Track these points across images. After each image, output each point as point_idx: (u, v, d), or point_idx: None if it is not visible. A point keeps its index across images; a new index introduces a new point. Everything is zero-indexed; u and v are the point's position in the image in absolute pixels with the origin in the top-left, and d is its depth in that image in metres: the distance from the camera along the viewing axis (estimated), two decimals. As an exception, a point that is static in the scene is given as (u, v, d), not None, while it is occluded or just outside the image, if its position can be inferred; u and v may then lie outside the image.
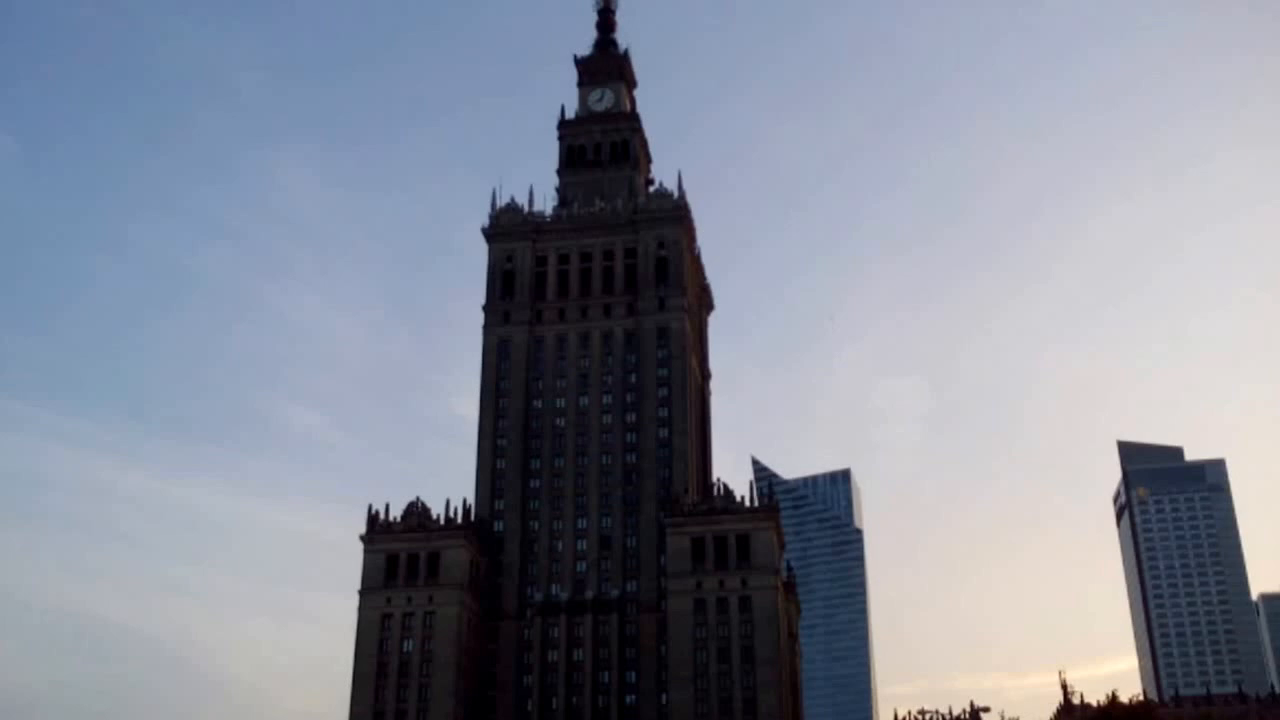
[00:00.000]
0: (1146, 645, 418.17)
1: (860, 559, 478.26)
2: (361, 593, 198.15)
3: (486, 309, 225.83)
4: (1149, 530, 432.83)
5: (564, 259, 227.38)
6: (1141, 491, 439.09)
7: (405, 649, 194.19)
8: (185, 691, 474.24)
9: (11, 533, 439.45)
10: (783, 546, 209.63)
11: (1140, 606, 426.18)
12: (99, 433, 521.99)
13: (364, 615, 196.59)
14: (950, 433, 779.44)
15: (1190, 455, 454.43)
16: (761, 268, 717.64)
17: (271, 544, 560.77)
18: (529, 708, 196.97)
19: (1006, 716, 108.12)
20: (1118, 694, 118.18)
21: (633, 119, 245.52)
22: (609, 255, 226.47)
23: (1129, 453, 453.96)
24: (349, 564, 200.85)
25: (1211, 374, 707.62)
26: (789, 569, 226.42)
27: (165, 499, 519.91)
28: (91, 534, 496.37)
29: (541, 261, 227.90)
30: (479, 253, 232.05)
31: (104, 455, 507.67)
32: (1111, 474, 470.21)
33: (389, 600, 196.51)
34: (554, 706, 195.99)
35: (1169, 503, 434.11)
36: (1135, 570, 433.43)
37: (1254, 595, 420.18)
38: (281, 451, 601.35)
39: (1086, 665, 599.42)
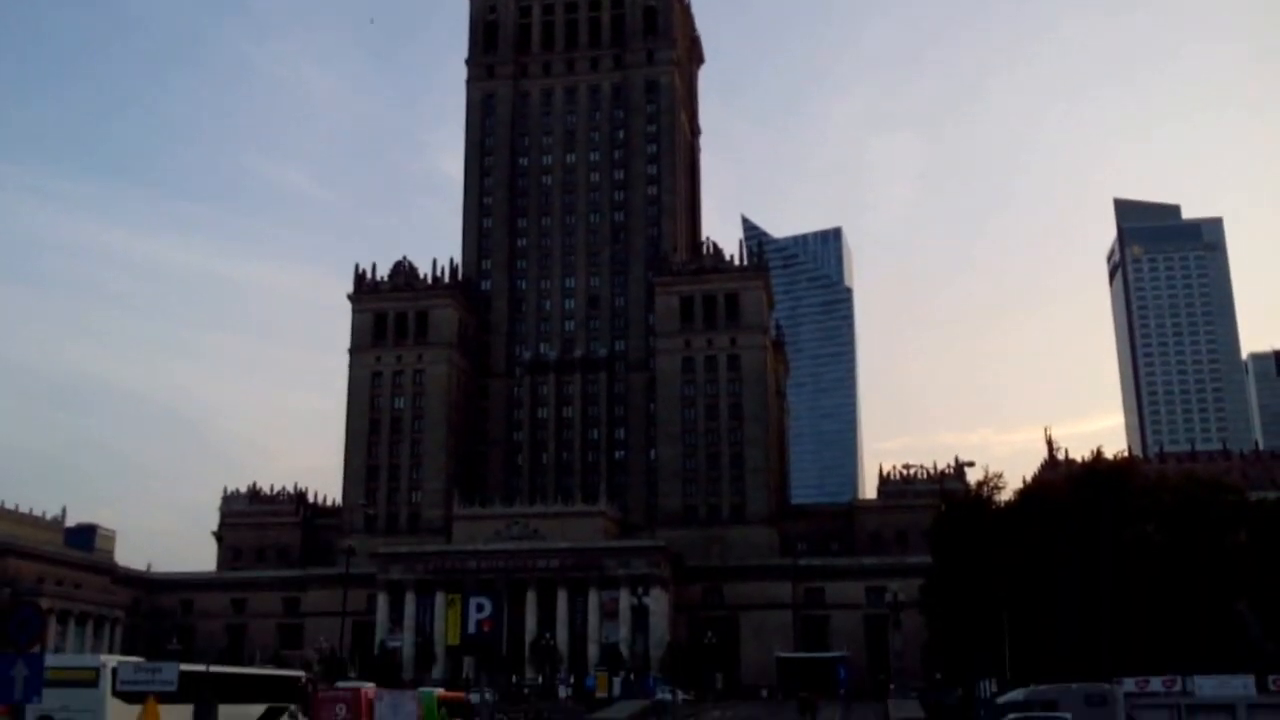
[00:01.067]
0: (1134, 404, 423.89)
1: (849, 318, 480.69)
2: (351, 351, 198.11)
3: (469, 62, 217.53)
4: (1141, 289, 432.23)
5: (548, 9, 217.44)
6: (1136, 250, 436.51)
7: (397, 406, 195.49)
8: (186, 450, 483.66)
9: (5, 294, 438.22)
10: (772, 305, 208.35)
11: (1129, 365, 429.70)
12: (84, 193, 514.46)
13: (355, 374, 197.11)
14: (944, 191, 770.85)
15: (1188, 214, 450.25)
16: (754, 19, 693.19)
17: (265, 304, 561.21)
18: (519, 463, 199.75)
19: (991, 471, 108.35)
20: (1102, 450, 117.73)
21: None
22: (595, 4, 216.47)
23: (1125, 211, 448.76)
24: (341, 324, 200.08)
25: (1212, 132, 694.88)
26: (778, 327, 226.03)
27: (156, 261, 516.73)
28: (86, 296, 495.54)
29: (525, 12, 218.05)
30: (460, 1, 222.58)
31: (92, 217, 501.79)
32: (1107, 233, 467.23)
33: (379, 359, 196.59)
34: (544, 462, 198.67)
35: (1163, 261, 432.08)
36: (1126, 329, 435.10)
37: (1244, 354, 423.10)
38: (268, 211, 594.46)
39: (1074, 423, 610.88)
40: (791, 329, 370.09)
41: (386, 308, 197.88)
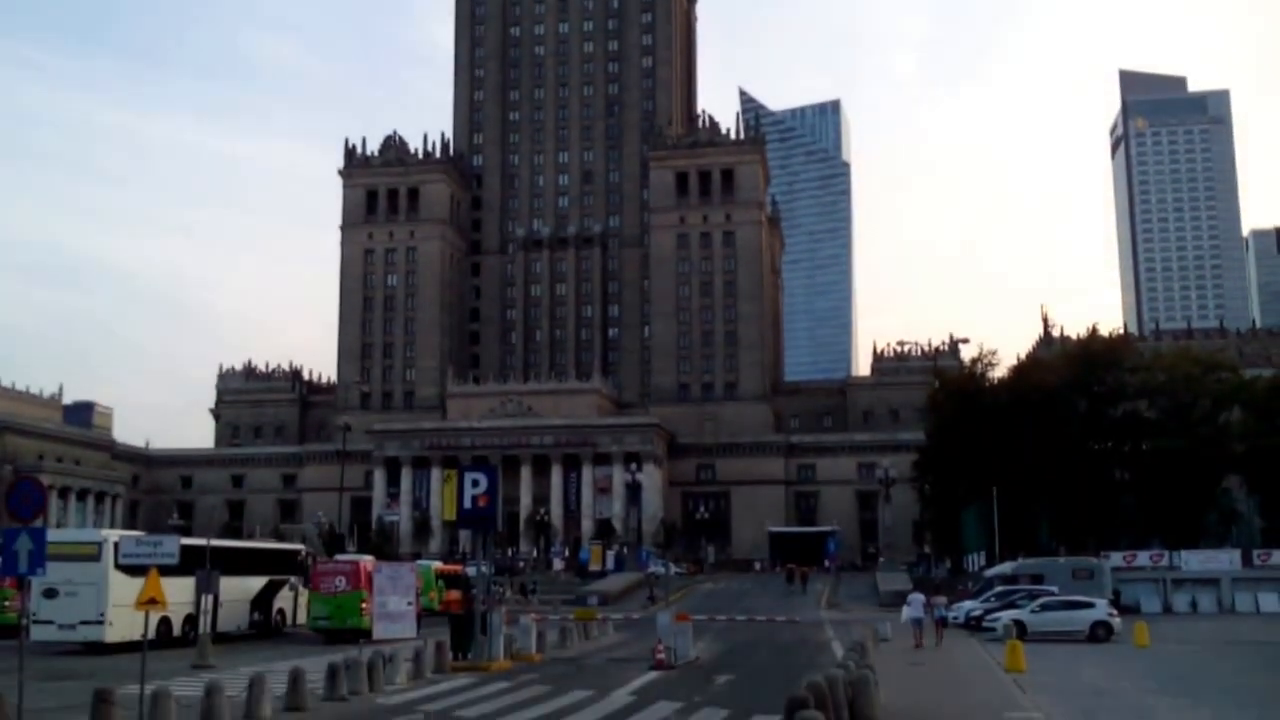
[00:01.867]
0: (1132, 281, 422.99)
1: (846, 192, 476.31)
2: (343, 228, 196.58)
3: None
4: (1144, 163, 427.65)
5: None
6: (1140, 123, 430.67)
7: (389, 283, 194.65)
8: (181, 328, 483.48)
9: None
10: (768, 180, 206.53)
11: (1129, 242, 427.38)
12: (73, 69, 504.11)
13: (347, 250, 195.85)
14: (944, 62, 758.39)
15: (1194, 86, 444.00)
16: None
17: (258, 180, 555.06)
18: (513, 340, 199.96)
19: (985, 348, 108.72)
20: (1097, 327, 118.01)
21: None
22: None
23: (1130, 82, 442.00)
24: (334, 200, 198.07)
25: (1221, 1, 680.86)
26: (773, 203, 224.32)
27: (147, 138, 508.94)
28: (77, 173, 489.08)
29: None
30: None
31: (80, 92, 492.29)
32: (1111, 106, 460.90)
33: (371, 235, 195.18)
34: (538, 339, 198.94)
35: (1166, 135, 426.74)
36: (1126, 204, 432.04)
37: (1245, 231, 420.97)
38: (259, 85, 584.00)
39: (1070, 301, 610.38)
40: (787, 204, 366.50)
41: (377, 183, 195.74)
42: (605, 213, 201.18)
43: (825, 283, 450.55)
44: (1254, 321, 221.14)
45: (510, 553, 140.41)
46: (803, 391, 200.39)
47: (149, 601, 24.68)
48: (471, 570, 68.36)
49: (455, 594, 75.57)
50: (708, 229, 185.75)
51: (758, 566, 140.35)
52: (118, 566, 41.43)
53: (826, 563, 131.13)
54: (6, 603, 49.95)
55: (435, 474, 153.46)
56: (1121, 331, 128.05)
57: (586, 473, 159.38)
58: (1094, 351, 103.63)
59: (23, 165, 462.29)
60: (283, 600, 57.69)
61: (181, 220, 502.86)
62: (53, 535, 28.16)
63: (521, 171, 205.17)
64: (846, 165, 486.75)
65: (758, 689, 32.45)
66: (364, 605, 51.82)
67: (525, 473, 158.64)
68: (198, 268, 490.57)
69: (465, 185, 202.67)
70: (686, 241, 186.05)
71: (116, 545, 42.48)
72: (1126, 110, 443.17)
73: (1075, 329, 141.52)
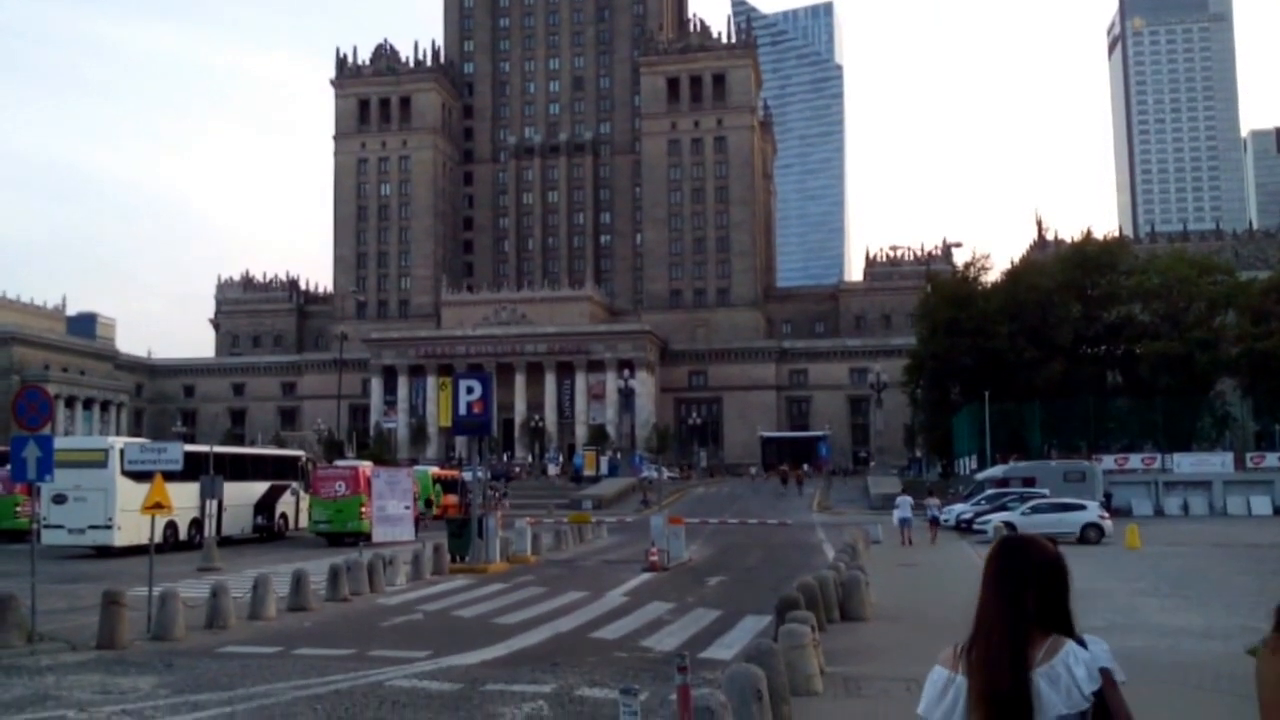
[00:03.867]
0: (1127, 183, 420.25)
1: (839, 96, 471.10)
2: (336, 138, 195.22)
3: None
4: (1141, 63, 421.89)
5: None
6: (1137, 22, 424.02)
7: (383, 193, 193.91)
8: (178, 240, 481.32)
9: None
10: (759, 84, 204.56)
11: (1124, 144, 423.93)
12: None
13: (340, 161, 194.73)
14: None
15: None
16: None
17: (251, 92, 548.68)
18: (506, 249, 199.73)
19: (979, 253, 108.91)
20: (1091, 231, 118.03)
21: None
22: None
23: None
24: (325, 111, 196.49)
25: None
26: (765, 107, 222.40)
27: (140, 50, 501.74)
28: (71, 88, 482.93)
29: None
30: None
31: (70, 5, 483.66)
32: (1109, 5, 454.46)
33: (363, 145, 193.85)
34: (530, 248, 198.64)
35: (1165, 34, 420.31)
36: (1123, 105, 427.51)
37: (1243, 132, 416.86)
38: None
39: (1065, 205, 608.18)
40: (779, 109, 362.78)
41: (369, 93, 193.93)
42: (596, 119, 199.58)
43: (817, 188, 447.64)
44: (1251, 223, 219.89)
45: (505, 458, 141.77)
46: (795, 297, 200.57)
47: (155, 506, 25.27)
48: (467, 475, 69.30)
49: (452, 498, 76.82)
50: (699, 134, 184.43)
51: (752, 471, 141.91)
52: (124, 472, 42.18)
53: (814, 466, 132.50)
54: (17, 508, 50.82)
55: (431, 381, 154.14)
56: (1117, 235, 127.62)
57: (580, 379, 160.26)
58: (1088, 255, 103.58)
59: (16, 80, 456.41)
60: (285, 505, 58.69)
61: (177, 133, 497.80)
62: (60, 443, 28.74)
63: (512, 79, 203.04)
64: (839, 68, 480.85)
65: (749, 590, 33.34)
66: (363, 509, 52.81)
67: (519, 380, 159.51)
68: (196, 181, 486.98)
69: (457, 94, 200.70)
70: (678, 148, 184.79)
71: (122, 452, 43.17)
72: (1123, 8, 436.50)
73: (1070, 233, 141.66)
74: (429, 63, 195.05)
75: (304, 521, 57.73)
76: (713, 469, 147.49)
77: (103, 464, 45.45)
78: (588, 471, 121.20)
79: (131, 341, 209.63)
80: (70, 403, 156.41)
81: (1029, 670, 4.58)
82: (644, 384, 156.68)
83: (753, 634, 22.33)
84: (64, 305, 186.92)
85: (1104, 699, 4.57)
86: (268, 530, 57.08)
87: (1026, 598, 4.71)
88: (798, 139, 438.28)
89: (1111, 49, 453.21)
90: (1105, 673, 4.61)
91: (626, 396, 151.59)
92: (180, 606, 23.24)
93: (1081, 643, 4.66)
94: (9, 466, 25.04)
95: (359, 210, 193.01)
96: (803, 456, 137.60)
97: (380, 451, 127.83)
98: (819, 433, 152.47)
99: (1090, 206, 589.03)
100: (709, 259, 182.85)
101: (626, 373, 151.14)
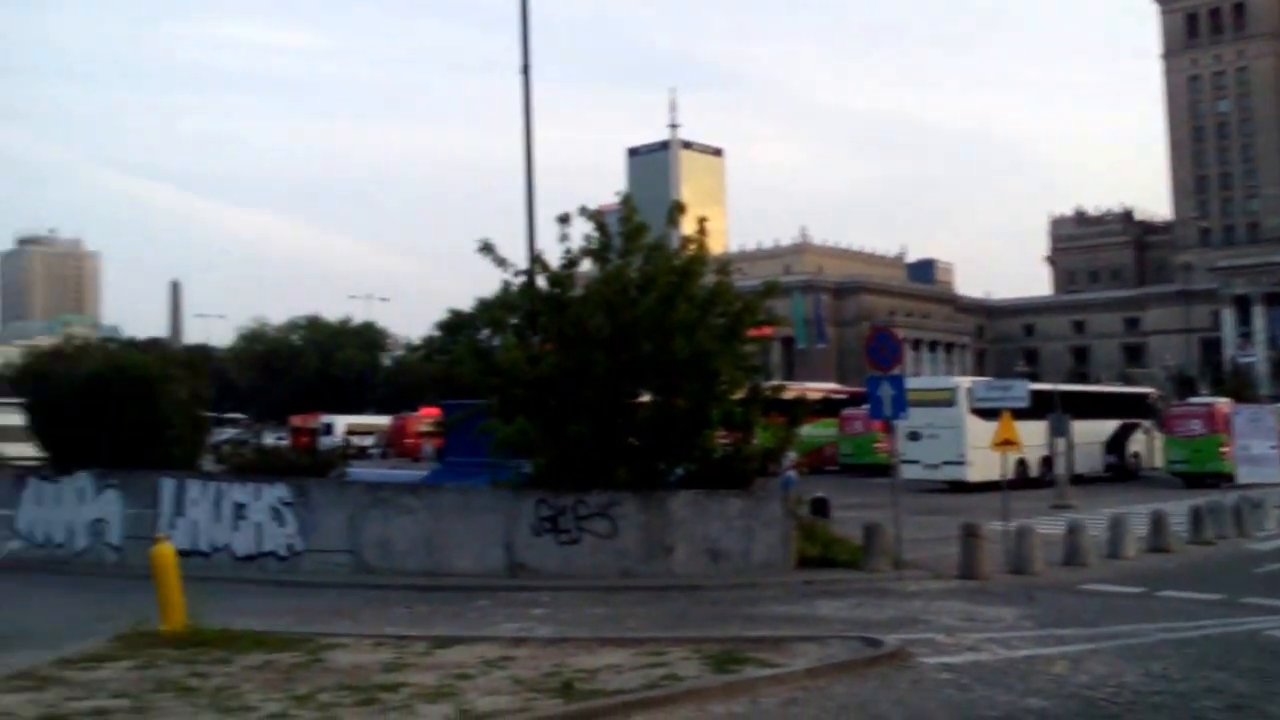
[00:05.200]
0: None
1: None
2: (1164, 56, 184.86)
3: None
4: None
5: None
6: None
7: (1220, 110, 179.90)
8: (1002, 178, 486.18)
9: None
10: None
11: None
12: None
13: (1170, 80, 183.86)
14: None
15: None
16: None
17: (1061, 18, 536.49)
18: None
19: None
20: None
21: None
22: None
23: None
24: (1144, 28, 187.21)
25: None
26: None
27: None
28: (907, 41, 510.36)
29: None
30: None
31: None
32: None
33: (1194, 61, 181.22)
34: None
35: None
36: None
37: None
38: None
39: None
40: None
41: (1197, 4, 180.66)
42: None
43: None
44: None
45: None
46: None
47: (1004, 443, 25.50)
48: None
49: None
50: None
51: None
52: (972, 410, 43.34)
53: None
54: (876, 444, 54.69)
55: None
56: None
57: None
58: None
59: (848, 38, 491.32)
60: (1136, 443, 56.61)
61: (989, 71, 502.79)
62: (910, 383, 30.07)
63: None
64: None
65: None
66: (1223, 449, 49.29)
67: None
68: (1012, 115, 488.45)
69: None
70: None
71: (970, 390, 44.49)
72: None
73: None
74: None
75: (1158, 460, 55.30)
76: None
77: (951, 402, 47.07)
78: None
79: (969, 284, 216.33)
80: (916, 345, 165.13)
81: None
82: None
83: None
84: (904, 253, 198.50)
85: None
86: (1120, 469, 55.46)
87: None
88: None
89: None
90: None
91: None
92: (1037, 542, 23.21)
93: None
94: (867, 405, 26.72)
95: (1194, 131, 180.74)
96: None
97: (1239, 387, 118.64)
98: None
99: None
100: None
101: None
